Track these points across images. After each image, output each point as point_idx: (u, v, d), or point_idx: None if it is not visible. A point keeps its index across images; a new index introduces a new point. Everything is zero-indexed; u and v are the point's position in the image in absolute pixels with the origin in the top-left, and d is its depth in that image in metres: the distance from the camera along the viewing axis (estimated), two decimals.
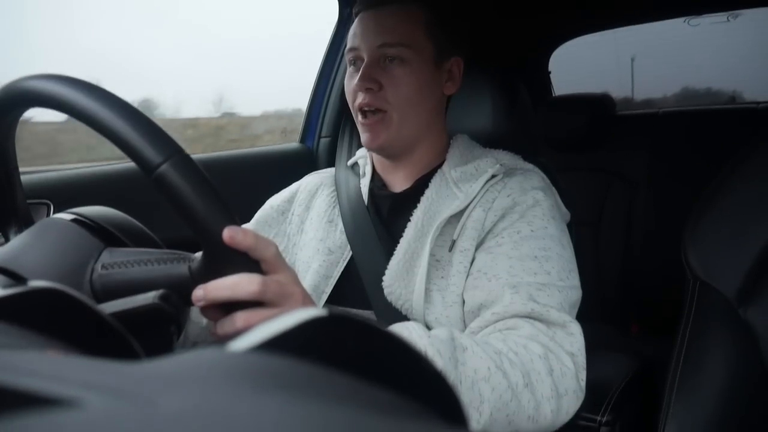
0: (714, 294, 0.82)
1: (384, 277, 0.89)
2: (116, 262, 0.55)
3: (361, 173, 1.04)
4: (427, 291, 0.85)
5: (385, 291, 0.89)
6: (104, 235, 0.57)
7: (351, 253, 0.95)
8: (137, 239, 0.60)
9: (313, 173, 1.13)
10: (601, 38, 2.27)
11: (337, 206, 1.01)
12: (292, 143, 1.80)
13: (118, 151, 0.50)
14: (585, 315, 0.84)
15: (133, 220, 0.63)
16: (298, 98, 1.76)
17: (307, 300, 0.57)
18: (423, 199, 0.93)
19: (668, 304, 1.10)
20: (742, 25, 2.04)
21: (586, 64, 2.51)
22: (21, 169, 0.63)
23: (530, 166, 0.96)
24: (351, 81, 0.94)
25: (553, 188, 0.94)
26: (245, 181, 1.51)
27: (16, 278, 0.50)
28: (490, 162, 0.94)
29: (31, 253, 0.54)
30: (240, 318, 0.53)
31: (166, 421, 0.14)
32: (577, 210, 0.98)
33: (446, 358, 0.63)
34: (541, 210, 0.86)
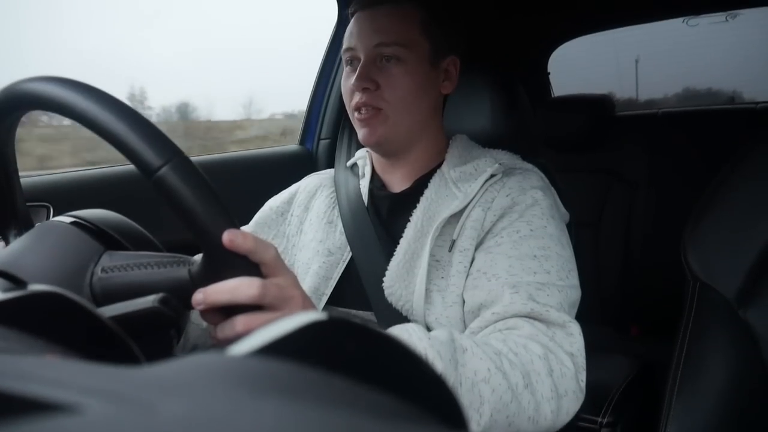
0: (714, 295, 0.82)
1: (384, 278, 0.89)
2: (116, 265, 0.55)
3: (360, 174, 1.04)
4: (428, 291, 0.85)
5: (386, 292, 0.89)
6: (104, 238, 0.57)
7: (351, 254, 0.95)
8: (137, 242, 0.60)
9: (312, 174, 1.13)
10: (600, 39, 2.27)
11: (337, 207, 1.01)
12: (292, 145, 1.80)
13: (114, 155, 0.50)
14: (585, 316, 0.83)
15: (133, 223, 0.63)
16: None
17: (307, 303, 0.57)
18: (422, 199, 0.93)
19: (668, 305, 1.10)
20: (740, 25, 2.04)
21: (586, 65, 2.51)
22: (20, 172, 0.63)
23: (529, 165, 0.96)
24: (348, 81, 0.94)
25: (552, 188, 0.94)
26: (245, 183, 1.51)
27: (16, 282, 0.50)
28: (489, 162, 0.94)
29: (31, 256, 0.54)
30: (240, 321, 0.53)
31: (166, 426, 0.14)
32: (576, 211, 0.99)
33: (446, 360, 0.63)
34: (540, 209, 0.86)
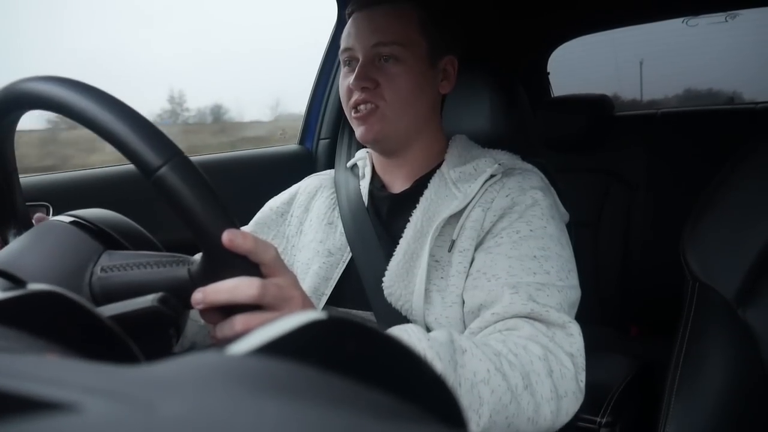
0: (713, 295, 0.82)
1: (384, 278, 0.89)
2: (115, 264, 0.55)
3: (360, 175, 1.04)
4: (427, 291, 0.85)
5: (385, 292, 0.89)
6: (103, 237, 0.57)
7: (351, 254, 0.95)
8: (136, 242, 0.60)
9: (312, 175, 1.13)
10: (600, 39, 2.27)
11: (337, 208, 1.01)
12: (291, 145, 1.80)
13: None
14: (584, 317, 0.83)
15: (133, 223, 0.63)
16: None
17: (306, 303, 0.57)
18: (422, 199, 0.93)
19: (667, 305, 1.10)
20: (740, 26, 2.04)
21: (585, 66, 2.51)
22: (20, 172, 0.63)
23: (529, 166, 0.96)
24: (345, 81, 0.94)
25: (552, 188, 0.94)
26: (244, 182, 1.51)
27: (15, 281, 0.50)
28: (489, 162, 0.94)
29: (30, 255, 0.54)
30: (239, 321, 0.53)
31: (166, 425, 0.14)
32: (575, 211, 0.99)
33: (445, 361, 0.63)
34: (540, 210, 0.86)
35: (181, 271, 0.54)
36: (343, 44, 0.96)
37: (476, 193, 0.89)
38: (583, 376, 0.74)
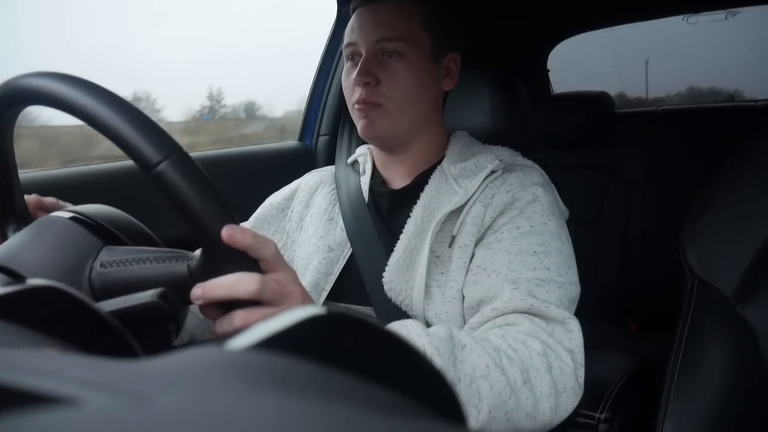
0: (712, 292, 0.82)
1: (384, 274, 0.89)
2: (115, 260, 0.55)
3: (361, 171, 1.04)
4: (427, 287, 0.86)
5: (385, 287, 0.89)
6: (103, 233, 0.57)
7: (351, 250, 0.95)
8: (136, 237, 0.60)
9: (313, 171, 1.13)
10: (600, 36, 2.27)
11: (338, 204, 1.01)
12: (291, 141, 1.79)
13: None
14: (584, 313, 0.84)
15: (132, 219, 0.63)
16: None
17: (306, 299, 0.57)
18: (423, 195, 0.93)
19: (667, 302, 1.10)
20: (740, 23, 2.04)
21: (585, 63, 2.51)
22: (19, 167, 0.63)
23: (529, 162, 0.96)
24: (348, 76, 0.94)
25: (552, 185, 0.94)
26: (244, 179, 1.51)
27: (15, 276, 0.50)
28: (490, 158, 0.94)
29: (30, 251, 0.54)
30: (238, 317, 0.53)
31: (165, 420, 0.14)
32: (575, 208, 0.99)
33: (445, 356, 0.64)
34: (541, 206, 0.86)
35: (181, 267, 0.54)
36: (346, 39, 0.95)
37: (477, 189, 0.89)
38: (582, 372, 0.75)
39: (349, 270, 0.95)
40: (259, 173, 1.57)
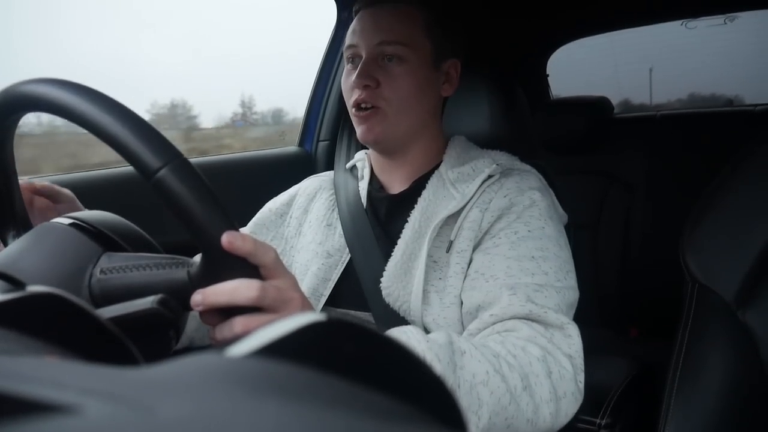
0: (713, 297, 0.82)
1: (382, 279, 0.89)
2: (115, 266, 0.55)
3: (359, 176, 1.04)
4: (425, 292, 0.85)
5: (383, 293, 0.89)
6: (103, 239, 0.57)
7: (349, 255, 0.95)
8: (136, 244, 0.60)
9: (312, 177, 1.13)
10: (599, 42, 2.27)
11: (336, 209, 1.01)
12: (291, 147, 1.80)
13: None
14: (583, 318, 0.83)
15: (132, 225, 0.63)
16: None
17: (306, 305, 0.57)
18: (420, 200, 0.93)
19: (667, 306, 1.10)
20: (739, 28, 2.04)
21: (584, 68, 2.51)
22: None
23: (527, 167, 0.96)
24: (348, 78, 0.94)
25: (550, 189, 0.94)
26: (244, 184, 1.51)
27: (15, 283, 0.50)
28: (487, 162, 0.94)
29: (30, 257, 0.54)
30: (238, 323, 0.53)
31: (165, 427, 0.14)
32: (575, 213, 0.99)
33: (444, 363, 0.63)
34: (538, 210, 0.86)
35: (181, 273, 0.54)
36: (347, 41, 0.95)
37: (474, 194, 0.89)
38: (582, 377, 0.74)
39: (348, 275, 0.95)
40: (259, 179, 1.58)
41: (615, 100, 2.14)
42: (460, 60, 0.98)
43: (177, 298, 0.51)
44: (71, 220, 0.58)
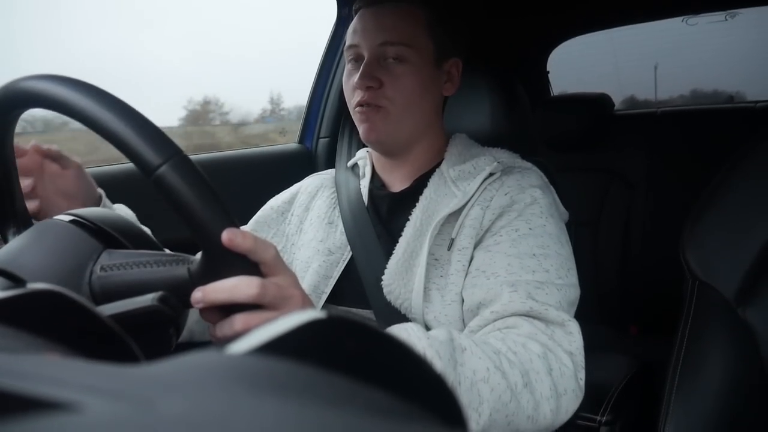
0: (713, 294, 0.82)
1: (383, 277, 0.89)
2: (115, 263, 0.55)
3: (360, 174, 1.04)
4: (426, 290, 0.85)
5: (385, 290, 0.89)
6: (103, 236, 0.57)
7: (351, 253, 0.95)
8: (136, 241, 0.60)
9: (313, 175, 1.13)
10: (600, 38, 2.27)
11: (338, 207, 1.01)
12: (291, 144, 1.80)
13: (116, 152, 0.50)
14: (584, 315, 0.83)
15: (132, 222, 0.63)
16: None
17: (306, 302, 0.57)
18: (421, 198, 0.93)
19: (667, 304, 1.10)
20: (739, 25, 2.04)
21: (585, 64, 2.51)
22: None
23: (528, 164, 0.96)
24: (350, 78, 0.93)
25: (551, 187, 0.94)
26: (244, 181, 1.51)
27: (15, 280, 0.50)
28: (488, 160, 0.94)
29: (30, 254, 0.54)
30: (239, 320, 0.53)
31: (165, 424, 0.14)
32: (575, 210, 0.99)
33: (445, 360, 0.63)
34: (539, 208, 0.86)
35: (181, 270, 0.54)
36: (348, 40, 0.95)
37: (475, 192, 0.89)
38: (582, 374, 0.74)
39: (349, 273, 0.95)
40: (260, 176, 1.58)
41: (616, 98, 2.13)
42: (462, 59, 0.98)
43: (177, 295, 0.51)
44: (71, 217, 0.58)
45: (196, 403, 0.15)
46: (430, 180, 0.95)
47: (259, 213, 1.10)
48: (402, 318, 0.87)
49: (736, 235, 0.82)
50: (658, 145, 1.94)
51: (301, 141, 1.78)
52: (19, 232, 0.61)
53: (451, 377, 0.63)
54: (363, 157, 1.06)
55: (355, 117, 0.94)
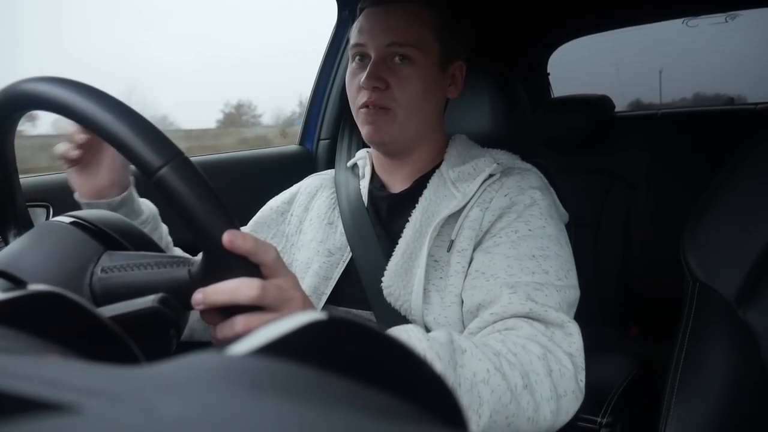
0: (713, 295, 0.82)
1: (383, 278, 0.89)
2: (116, 265, 0.55)
3: (360, 174, 1.04)
4: (426, 291, 0.85)
5: (384, 291, 0.89)
6: (104, 238, 0.57)
7: (351, 254, 0.95)
8: (137, 242, 0.60)
9: (313, 175, 1.13)
10: (601, 40, 2.27)
11: (337, 208, 1.01)
12: (291, 145, 1.80)
13: None
14: (584, 317, 0.83)
15: (133, 223, 0.63)
16: None
17: (307, 304, 0.57)
18: (421, 199, 0.93)
19: (668, 305, 1.10)
20: (740, 26, 2.04)
21: (585, 66, 2.51)
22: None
23: (528, 165, 0.96)
24: (355, 77, 0.92)
25: (551, 188, 0.94)
26: (244, 183, 1.51)
27: (16, 282, 0.50)
28: (488, 161, 0.93)
29: (31, 256, 0.54)
30: (239, 322, 0.53)
31: (166, 426, 0.14)
32: (575, 212, 0.98)
33: (445, 361, 0.63)
34: (539, 209, 0.86)
35: (182, 272, 0.54)
36: (353, 39, 0.94)
37: (475, 193, 0.89)
38: (582, 376, 0.74)
39: (349, 274, 0.95)
40: (260, 177, 1.58)
41: (618, 100, 2.13)
42: (465, 62, 0.98)
43: (178, 297, 0.51)
44: (72, 219, 0.58)
45: (196, 405, 0.15)
46: (430, 181, 0.94)
47: (258, 214, 1.09)
48: (402, 319, 0.87)
49: (736, 236, 0.82)
50: (658, 146, 1.94)
51: (301, 143, 1.78)
52: (19, 233, 0.61)
53: (451, 379, 0.63)
54: (363, 157, 1.06)
55: (359, 117, 0.93)
